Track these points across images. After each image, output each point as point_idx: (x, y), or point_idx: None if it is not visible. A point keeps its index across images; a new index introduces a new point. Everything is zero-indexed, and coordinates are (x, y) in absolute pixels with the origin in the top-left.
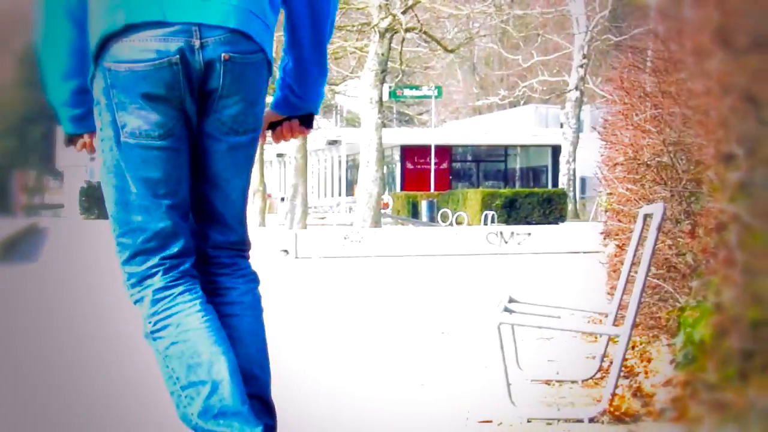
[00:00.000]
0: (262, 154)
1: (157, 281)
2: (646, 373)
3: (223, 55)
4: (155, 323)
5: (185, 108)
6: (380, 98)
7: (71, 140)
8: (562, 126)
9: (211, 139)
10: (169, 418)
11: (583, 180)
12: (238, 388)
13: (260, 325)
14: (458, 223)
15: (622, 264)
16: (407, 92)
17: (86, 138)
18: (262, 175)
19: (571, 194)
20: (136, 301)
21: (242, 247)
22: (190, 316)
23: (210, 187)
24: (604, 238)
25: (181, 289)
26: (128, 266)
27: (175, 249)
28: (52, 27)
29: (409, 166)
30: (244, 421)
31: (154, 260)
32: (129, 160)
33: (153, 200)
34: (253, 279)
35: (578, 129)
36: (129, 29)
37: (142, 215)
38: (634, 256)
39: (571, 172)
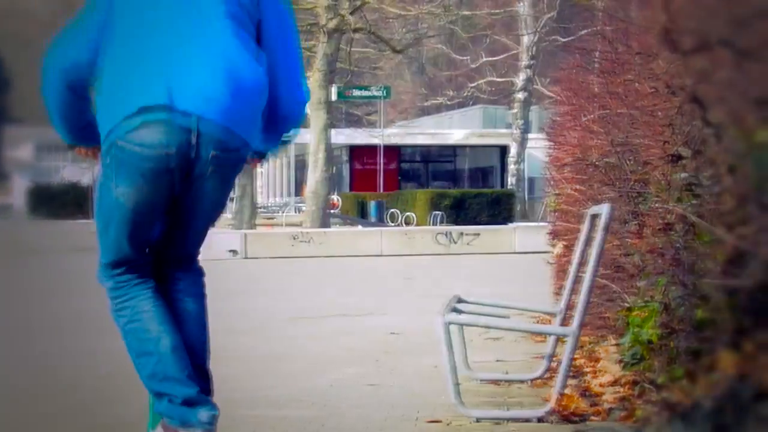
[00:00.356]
0: None
1: (121, 276)
2: (594, 372)
3: (212, 152)
4: (117, 305)
5: (174, 183)
6: (328, 98)
7: (72, 147)
8: (510, 126)
9: (191, 200)
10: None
11: (531, 180)
12: (178, 359)
13: (203, 309)
14: (407, 223)
15: (570, 264)
16: (355, 93)
17: (83, 149)
18: None
19: (519, 195)
20: (105, 287)
21: (195, 256)
22: (142, 302)
23: (183, 228)
24: (552, 239)
25: (137, 281)
26: (102, 265)
27: (137, 260)
28: (56, 95)
29: (358, 166)
30: (182, 385)
31: (121, 264)
32: (115, 211)
33: (126, 239)
34: (200, 273)
35: (526, 129)
36: (141, 111)
37: (116, 245)
38: (582, 256)
39: (520, 173)
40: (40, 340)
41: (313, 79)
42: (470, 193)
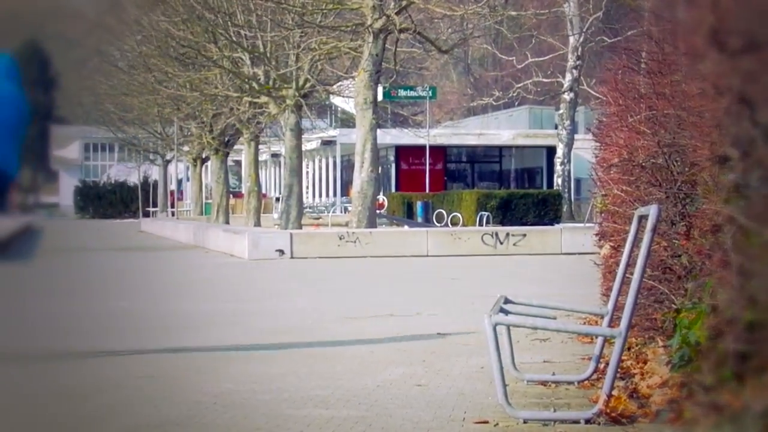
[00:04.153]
0: (256, 154)
1: None
2: (642, 374)
3: None
4: None
5: None
6: (375, 99)
7: None
8: (556, 127)
9: None
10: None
11: (577, 181)
12: None
13: None
14: (453, 223)
15: (618, 265)
16: (402, 93)
17: None
18: (256, 175)
19: (566, 195)
20: None
21: None
22: None
23: None
24: (599, 240)
25: None
26: None
27: None
28: None
29: (404, 166)
30: None
31: None
32: None
33: None
34: None
35: (573, 130)
36: None
37: None
38: (630, 257)
39: (566, 174)
40: (85, 339)
41: (359, 80)
42: (517, 193)
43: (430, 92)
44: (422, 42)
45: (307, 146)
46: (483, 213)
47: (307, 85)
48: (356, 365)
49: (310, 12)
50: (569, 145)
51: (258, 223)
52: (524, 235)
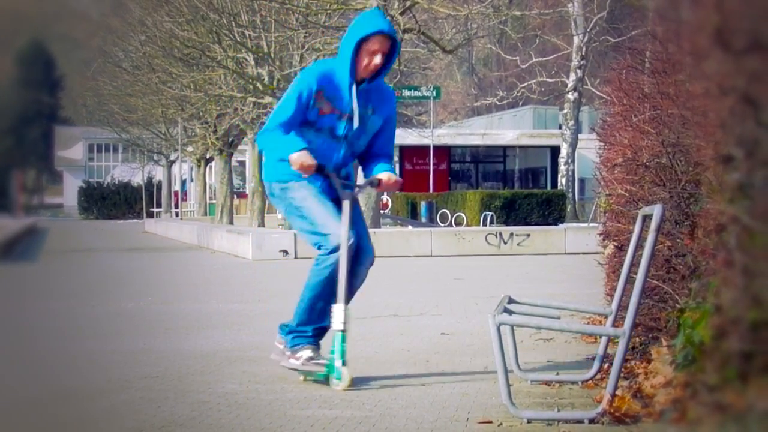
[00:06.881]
0: (260, 154)
1: None
2: (646, 374)
3: None
4: None
5: None
6: None
7: None
8: (560, 127)
9: None
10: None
11: (582, 181)
12: None
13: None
14: (457, 223)
15: (622, 265)
16: (406, 93)
17: None
18: (260, 175)
19: (570, 195)
20: None
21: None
22: None
23: None
24: (603, 239)
25: None
26: None
27: None
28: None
29: (408, 166)
30: None
31: None
32: None
33: None
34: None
35: (577, 130)
36: None
37: None
38: (634, 257)
39: (570, 173)
40: (90, 340)
41: None
42: (521, 193)
43: (435, 92)
44: (426, 42)
45: None
46: (487, 213)
47: None
48: (360, 365)
49: (315, 12)
50: (573, 145)
51: (262, 224)
52: (528, 235)
